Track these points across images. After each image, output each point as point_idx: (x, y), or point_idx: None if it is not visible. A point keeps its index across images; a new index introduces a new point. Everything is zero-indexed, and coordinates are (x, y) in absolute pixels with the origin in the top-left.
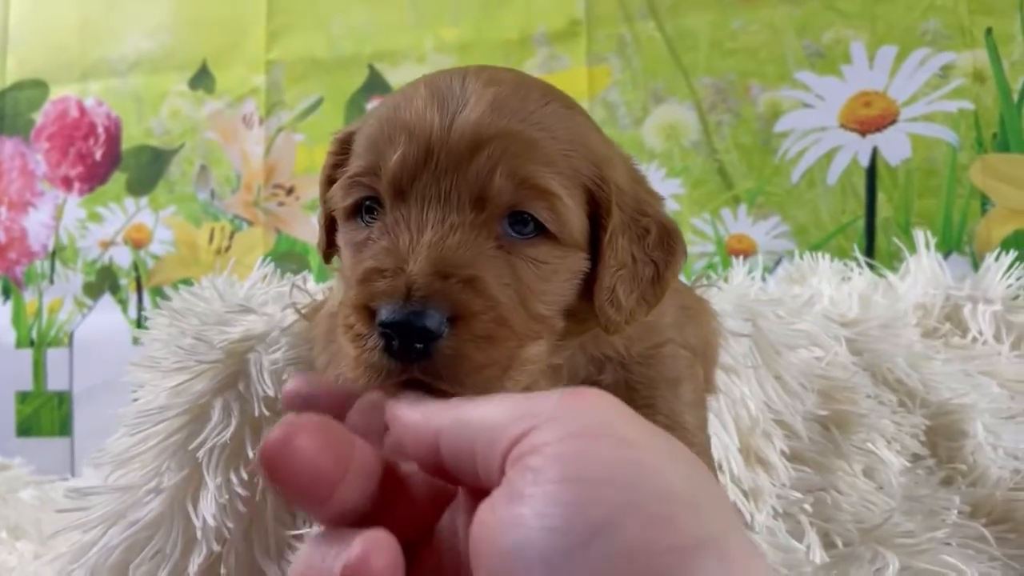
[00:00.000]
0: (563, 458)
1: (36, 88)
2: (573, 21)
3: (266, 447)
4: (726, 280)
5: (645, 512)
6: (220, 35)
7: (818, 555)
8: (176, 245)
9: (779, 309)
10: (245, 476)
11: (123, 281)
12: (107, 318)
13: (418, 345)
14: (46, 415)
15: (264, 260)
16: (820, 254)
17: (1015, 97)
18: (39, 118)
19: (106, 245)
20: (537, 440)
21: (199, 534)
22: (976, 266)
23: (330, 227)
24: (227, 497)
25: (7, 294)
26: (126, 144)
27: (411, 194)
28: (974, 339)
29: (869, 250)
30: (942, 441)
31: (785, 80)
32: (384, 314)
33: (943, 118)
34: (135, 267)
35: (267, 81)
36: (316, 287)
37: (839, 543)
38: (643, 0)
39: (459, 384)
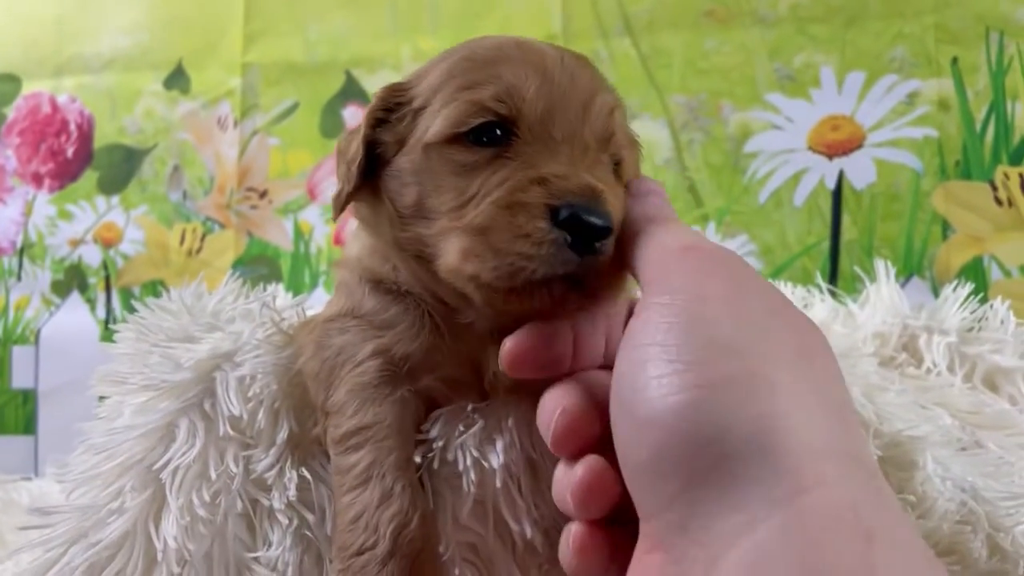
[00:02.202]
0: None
1: (8, 82)
2: (550, 35)
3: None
4: None
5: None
6: (196, 36)
7: None
8: (147, 245)
9: None
10: (208, 497)
11: (92, 280)
12: (75, 317)
13: (597, 244)
14: (10, 413)
15: (233, 273)
16: (782, 282)
17: (978, 126)
18: (11, 113)
19: (75, 243)
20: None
21: (159, 556)
22: (936, 291)
23: (362, 173)
24: (188, 519)
25: None
26: (98, 142)
27: (552, 125)
28: (928, 370)
29: (833, 272)
30: (893, 471)
31: (756, 101)
32: (579, 210)
33: (908, 144)
34: (104, 266)
35: (243, 84)
36: (286, 302)
37: None
38: (619, 17)
39: (605, 287)
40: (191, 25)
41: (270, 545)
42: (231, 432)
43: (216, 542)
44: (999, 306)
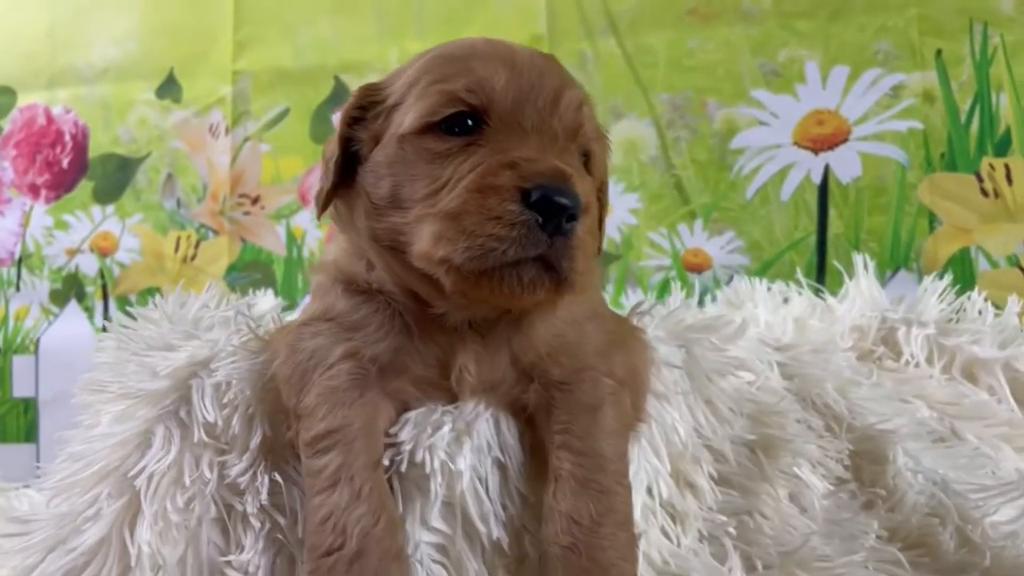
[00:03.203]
0: None
1: (4, 95)
2: (535, 36)
3: None
4: (663, 304)
5: None
6: (187, 44)
7: None
8: (142, 253)
9: (713, 336)
10: (181, 503)
11: (89, 289)
12: (73, 326)
13: (567, 224)
14: (11, 422)
15: (215, 282)
16: (758, 280)
17: (963, 118)
18: (6, 125)
19: (72, 253)
20: None
21: (133, 561)
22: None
23: (339, 171)
24: (162, 525)
25: None
26: (93, 152)
27: (522, 115)
28: (907, 362)
29: (820, 267)
30: (866, 465)
31: (741, 98)
32: (550, 191)
33: (893, 137)
34: (101, 275)
35: (234, 91)
36: (266, 307)
37: (759, 566)
38: (604, 17)
39: (573, 266)
40: (182, 34)
41: (243, 549)
42: (205, 438)
43: (190, 547)
44: (976, 297)
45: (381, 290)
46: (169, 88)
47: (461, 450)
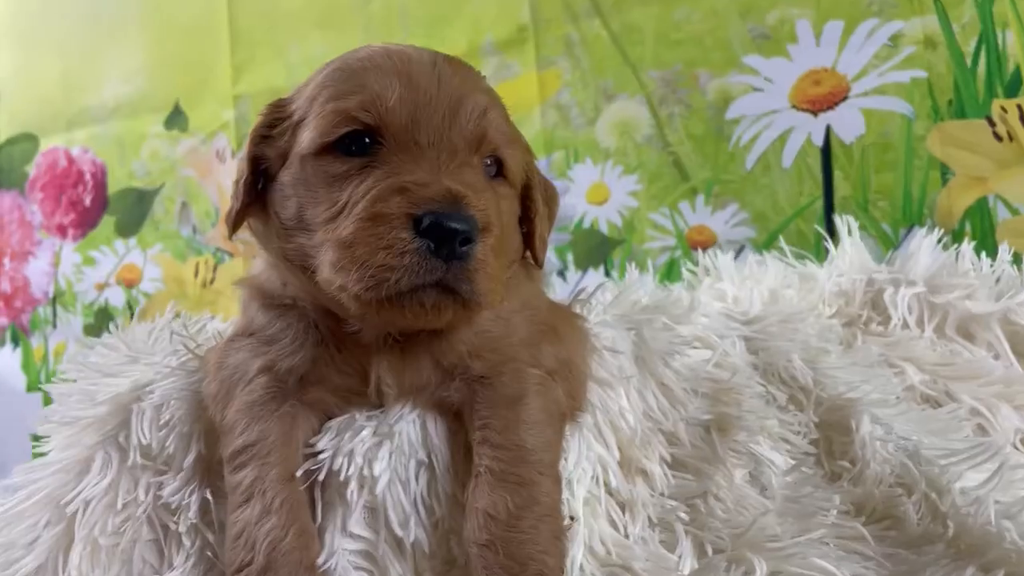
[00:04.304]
0: None
1: (27, 141)
2: (520, 27)
3: None
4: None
5: None
6: (189, 74)
7: (688, 564)
8: (164, 281)
9: (663, 316)
10: (111, 527)
11: (119, 320)
12: None
13: (462, 248)
14: None
15: (171, 307)
16: (720, 252)
17: (968, 61)
18: (32, 170)
19: (101, 287)
20: None
21: None
22: (941, 240)
23: (249, 190)
24: (90, 549)
25: (16, 341)
26: (112, 188)
27: (417, 131)
28: (897, 325)
29: (830, 232)
30: (836, 436)
31: (733, 65)
32: (441, 217)
33: (896, 89)
34: (129, 306)
35: (236, 115)
36: (217, 326)
37: (710, 551)
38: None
39: (477, 289)
40: (184, 65)
41: (173, 568)
42: (142, 461)
43: (123, 571)
44: (966, 249)
45: (296, 304)
46: (176, 119)
47: (378, 454)
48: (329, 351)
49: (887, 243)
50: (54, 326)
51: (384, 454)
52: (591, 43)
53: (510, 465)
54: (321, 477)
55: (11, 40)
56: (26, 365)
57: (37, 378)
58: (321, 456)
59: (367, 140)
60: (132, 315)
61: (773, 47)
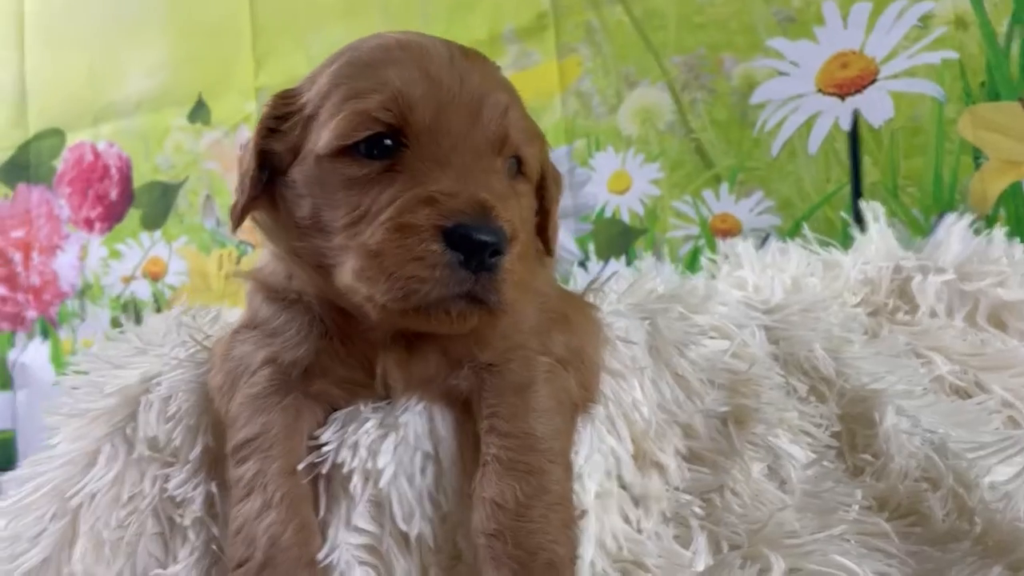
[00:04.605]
0: None
1: (55, 136)
2: (540, 14)
3: None
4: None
5: None
6: (212, 67)
7: (702, 561)
8: (189, 274)
9: (679, 305)
10: (115, 521)
11: (145, 313)
12: None
13: (491, 260)
14: None
15: (183, 300)
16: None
17: (1001, 41)
18: (59, 165)
19: (127, 280)
20: None
21: None
22: (974, 225)
23: (255, 184)
24: (94, 543)
25: (45, 334)
26: (137, 181)
27: (440, 133)
28: (926, 314)
29: (857, 219)
30: (859, 429)
31: (758, 49)
32: (471, 229)
33: (926, 71)
34: (155, 299)
35: (258, 107)
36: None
37: (725, 547)
38: None
39: (504, 299)
40: (206, 57)
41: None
42: (149, 453)
43: (128, 564)
44: (998, 234)
45: (301, 298)
46: (199, 112)
47: (383, 447)
48: (333, 344)
49: (918, 230)
50: (82, 319)
51: (389, 446)
52: (612, 29)
53: (518, 453)
54: (325, 470)
55: (38, 38)
56: (55, 358)
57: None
58: (325, 449)
59: (388, 141)
60: (158, 309)
61: (799, 29)
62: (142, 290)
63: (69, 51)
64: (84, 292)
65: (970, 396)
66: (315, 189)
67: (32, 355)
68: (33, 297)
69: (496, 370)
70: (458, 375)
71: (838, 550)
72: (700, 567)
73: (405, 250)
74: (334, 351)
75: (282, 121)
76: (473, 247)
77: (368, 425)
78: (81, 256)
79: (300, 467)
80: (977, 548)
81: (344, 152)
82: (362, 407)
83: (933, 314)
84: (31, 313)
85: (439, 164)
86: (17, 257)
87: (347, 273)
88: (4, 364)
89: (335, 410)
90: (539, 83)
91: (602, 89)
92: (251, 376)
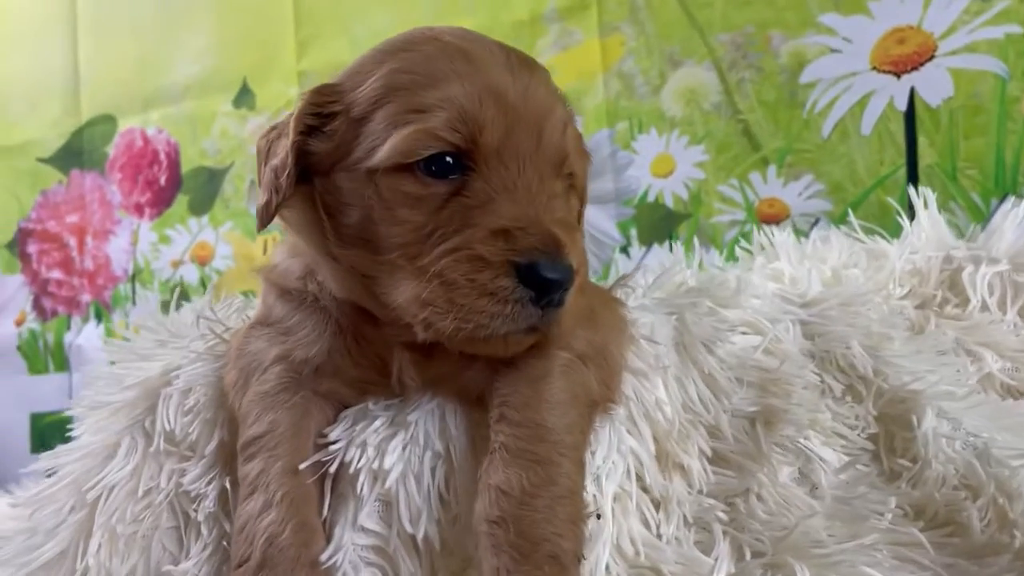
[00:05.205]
0: None
1: (107, 123)
2: None
3: None
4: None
5: None
6: (256, 52)
7: (724, 569)
8: (235, 259)
9: (707, 299)
10: (130, 515)
11: (195, 298)
12: None
13: (559, 296)
14: None
15: (209, 290)
16: (779, 229)
17: None
18: (111, 150)
19: (176, 264)
20: None
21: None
22: None
23: (292, 183)
24: (109, 536)
25: (99, 318)
26: (185, 167)
27: (508, 155)
28: (981, 308)
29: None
30: (898, 432)
31: (808, 25)
32: (544, 268)
33: (988, 47)
34: (203, 283)
35: (300, 92)
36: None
37: (747, 554)
38: None
39: (559, 329)
40: (250, 42)
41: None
42: (165, 446)
43: (142, 559)
44: None
45: (317, 297)
46: (244, 97)
47: (391, 446)
48: (346, 343)
49: (976, 215)
50: (134, 303)
51: (396, 445)
52: (656, 7)
53: (527, 443)
54: (333, 469)
55: (90, 26)
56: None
57: None
58: (334, 447)
59: (449, 159)
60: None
61: (852, 4)
62: (191, 274)
63: (119, 38)
64: (135, 276)
65: (1022, 395)
66: (368, 202)
67: (88, 338)
68: (87, 281)
69: (514, 362)
70: (472, 367)
71: (868, 561)
72: (721, 575)
73: (478, 285)
74: (346, 350)
75: (322, 119)
76: (545, 285)
77: (377, 423)
78: (132, 241)
79: (303, 466)
80: (1017, 563)
81: (404, 168)
82: (371, 405)
83: (984, 307)
84: (85, 297)
85: (506, 188)
86: (72, 242)
87: (406, 296)
88: (61, 346)
89: (345, 408)
90: (581, 63)
91: (645, 69)
92: (262, 373)
